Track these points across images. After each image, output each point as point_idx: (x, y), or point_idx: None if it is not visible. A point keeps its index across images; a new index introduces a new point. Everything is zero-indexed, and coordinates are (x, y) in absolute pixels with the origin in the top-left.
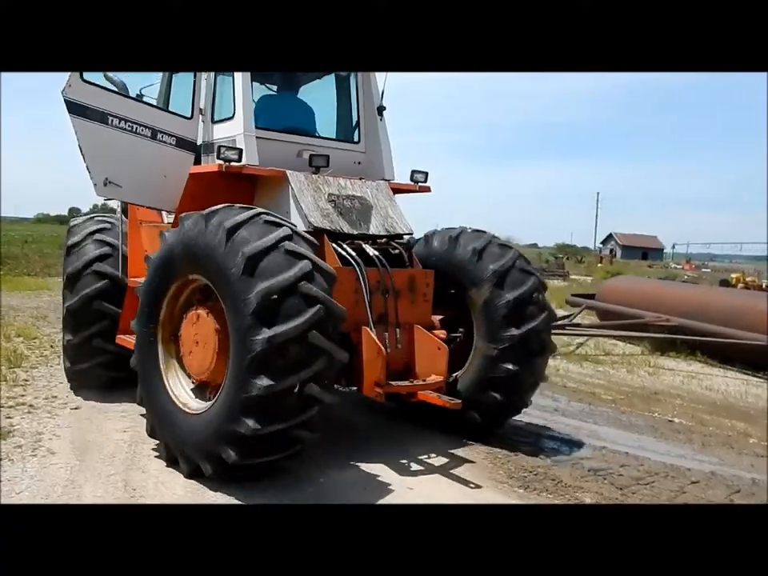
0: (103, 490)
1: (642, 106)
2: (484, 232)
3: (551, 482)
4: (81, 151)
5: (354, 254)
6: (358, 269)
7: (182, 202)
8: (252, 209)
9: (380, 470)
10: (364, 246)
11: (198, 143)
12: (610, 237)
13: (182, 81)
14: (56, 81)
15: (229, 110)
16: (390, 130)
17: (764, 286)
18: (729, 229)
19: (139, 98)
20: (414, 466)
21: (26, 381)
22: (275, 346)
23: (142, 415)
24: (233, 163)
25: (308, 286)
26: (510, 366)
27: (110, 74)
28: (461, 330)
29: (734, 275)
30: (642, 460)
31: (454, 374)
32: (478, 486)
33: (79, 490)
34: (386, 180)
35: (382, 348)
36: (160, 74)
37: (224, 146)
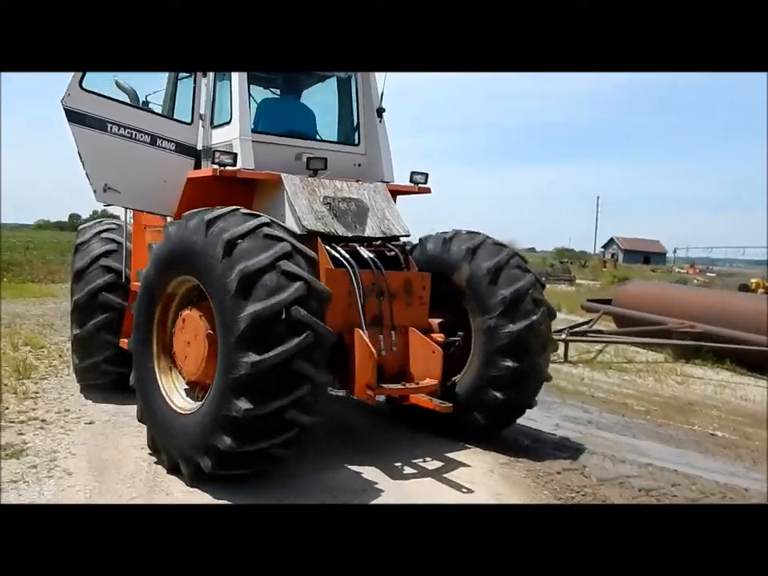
0: None
1: (640, 106)
2: (478, 233)
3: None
4: (80, 158)
5: (347, 256)
6: (351, 271)
7: (181, 206)
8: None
9: (397, 480)
10: (359, 248)
11: (199, 148)
12: (611, 241)
13: (187, 87)
14: (55, 81)
15: (227, 115)
16: (389, 131)
17: None
18: (727, 231)
19: (138, 106)
20: (460, 484)
21: (37, 393)
22: (259, 322)
23: None
24: (228, 167)
25: (288, 264)
26: (510, 363)
27: (121, 82)
28: (460, 333)
29: (753, 280)
30: (694, 479)
31: (453, 378)
32: None
33: None
34: (385, 182)
35: (373, 350)
36: (165, 81)
37: (219, 151)
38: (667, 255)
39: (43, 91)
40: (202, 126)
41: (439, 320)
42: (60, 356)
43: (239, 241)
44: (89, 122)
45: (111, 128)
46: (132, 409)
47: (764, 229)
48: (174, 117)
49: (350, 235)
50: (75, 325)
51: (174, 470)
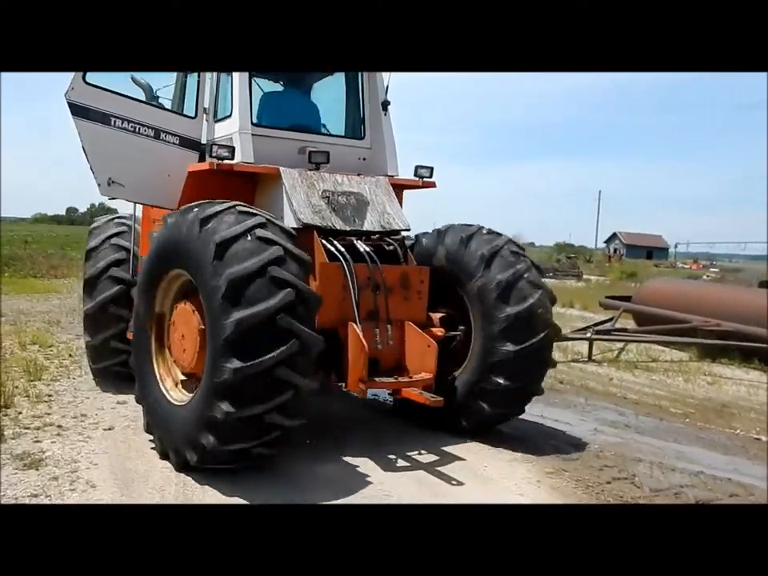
0: None
1: (638, 103)
2: (472, 225)
3: None
4: (84, 152)
5: (342, 249)
6: (345, 265)
7: (182, 200)
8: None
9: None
10: (356, 242)
11: (203, 142)
12: (614, 236)
13: (194, 82)
14: (53, 79)
15: (228, 109)
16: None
17: None
18: (721, 227)
19: (141, 100)
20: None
21: (50, 396)
22: (244, 329)
23: None
24: (225, 161)
25: (278, 270)
26: (509, 347)
27: (137, 77)
28: (461, 327)
29: None
30: (750, 488)
31: (455, 372)
32: None
33: None
34: (389, 176)
35: (365, 345)
36: (175, 76)
37: (216, 144)
38: (670, 250)
39: (41, 89)
40: (206, 120)
41: (441, 315)
42: (70, 355)
43: (230, 243)
44: (92, 116)
45: (115, 122)
46: None
47: (762, 227)
48: (180, 111)
49: (347, 229)
50: (87, 333)
51: (164, 456)
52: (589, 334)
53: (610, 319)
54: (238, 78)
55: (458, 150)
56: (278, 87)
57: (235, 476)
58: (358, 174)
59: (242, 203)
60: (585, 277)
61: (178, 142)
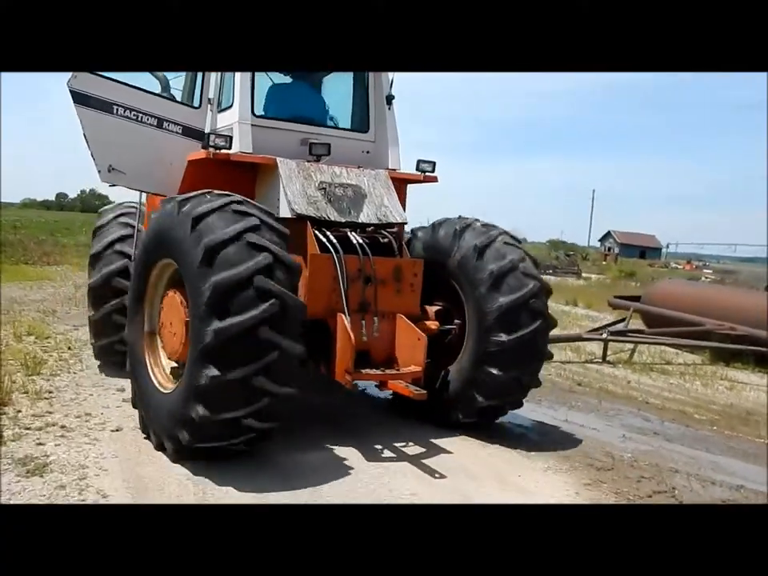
0: None
1: (631, 101)
2: (467, 218)
3: None
4: (85, 139)
5: (334, 241)
6: (335, 256)
7: (182, 188)
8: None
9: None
10: (349, 233)
11: (207, 132)
12: (608, 234)
13: (201, 73)
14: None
15: (230, 99)
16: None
17: None
18: (711, 227)
19: (145, 89)
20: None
21: (50, 393)
22: (221, 290)
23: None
24: (222, 150)
25: (263, 280)
26: (501, 338)
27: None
28: (457, 321)
29: None
30: None
31: (449, 365)
32: None
33: None
34: (392, 169)
35: (352, 336)
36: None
37: (214, 134)
38: (663, 250)
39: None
40: (210, 111)
41: (437, 308)
42: (69, 348)
43: (219, 248)
44: (94, 104)
45: (117, 110)
46: None
47: (749, 226)
48: (190, 102)
49: (342, 220)
50: (90, 307)
51: (160, 448)
52: (604, 335)
53: (622, 320)
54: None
55: (451, 145)
56: (287, 79)
57: (218, 462)
58: (358, 167)
59: (238, 199)
60: (584, 275)
61: (180, 131)
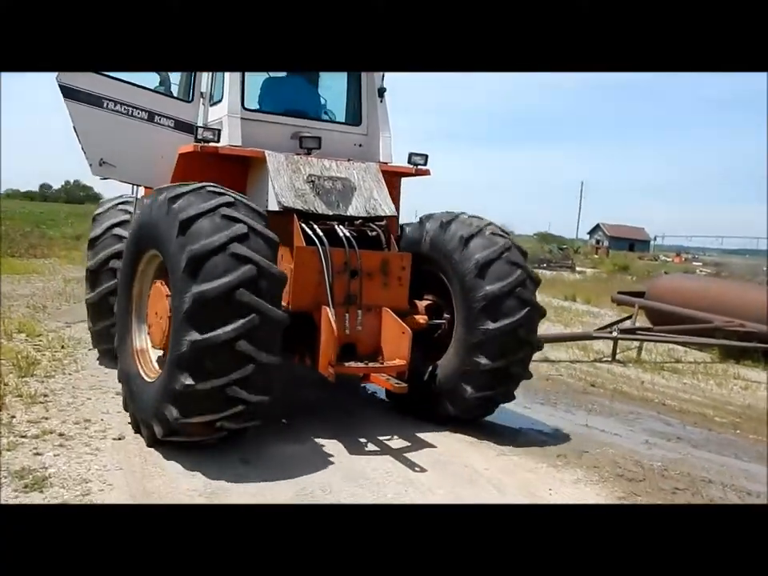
0: None
1: (611, 95)
2: (453, 212)
3: None
4: (76, 133)
5: (320, 234)
6: (321, 249)
7: (172, 181)
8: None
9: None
10: (337, 226)
11: (199, 125)
12: (597, 227)
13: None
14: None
15: (221, 93)
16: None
17: None
18: (696, 219)
19: (136, 84)
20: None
21: (46, 396)
22: (202, 302)
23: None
24: (210, 144)
25: (239, 246)
26: (488, 326)
27: None
28: (446, 315)
29: None
30: None
31: (438, 359)
32: None
33: None
34: (383, 162)
35: (335, 329)
36: None
37: (202, 127)
38: (652, 243)
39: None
40: (203, 104)
41: (426, 303)
42: (62, 347)
43: (194, 220)
44: (84, 98)
45: (107, 104)
46: None
47: (734, 219)
48: (187, 96)
49: (330, 213)
50: (88, 290)
51: (138, 431)
52: (614, 334)
53: (629, 317)
54: None
55: (434, 133)
56: (281, 73)
57: (203, 452)
58: (348, 160)
59: (213, 184)
60: (578, 269)
61: (172, 125)
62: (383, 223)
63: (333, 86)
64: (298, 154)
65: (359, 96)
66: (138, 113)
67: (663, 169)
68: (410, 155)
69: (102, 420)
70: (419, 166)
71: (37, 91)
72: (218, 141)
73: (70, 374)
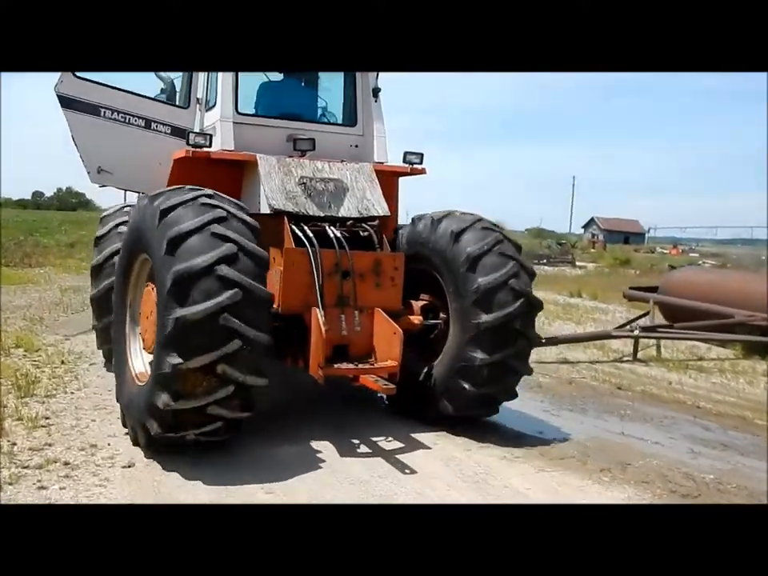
0: None
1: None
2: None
3: None
4: (74, 142)
5: (310, 235)
6: (311, 250)
7: (168, 186)
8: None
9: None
10: (328, 228)
11: (192, 131)
12: (591, 221)
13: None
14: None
15: (215, 98)
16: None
17: None
18: (684, 211)
19: (132, 92)
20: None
21: (47, 419)
22: (182, 278)
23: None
24: (202, 149)
25: (226, 268)
26: (482, 319)
27: (161, 72)
28: (443, 316)
29: None
30: None
31: (434, 360)
32: None
33: None
34: (379, 162)
35: (323, 331)
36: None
37: (193, 132)
38: (647, 235)
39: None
40: (199, 110)
41: (422, 303)
42: (63, 362)
43: (183, 239)
44: (82, 108)
45: (104, 113)
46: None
47: (725, 210)
48: (181, 102)
49: (321, 215)
50: (93, 286)
51: (137, 443)
52: (636, 332)
53: (646, 314)
54: None
55: (426, 133)
56: (276, 76)
57: (194, 455)
58: (341, 161)
59: (208, 193)
60: (579, 264)
61: (169, 131)
62: (375, 223)
63: (328, 88)
64: (291, 157)
65: (354, 97)
66: (135, 120)
67: (652, 161)
68: (405, 154)
69: (108, 445)
70: (414, 165)
71: (25, 98)
72: (210, 145)
73: (72, 393)
